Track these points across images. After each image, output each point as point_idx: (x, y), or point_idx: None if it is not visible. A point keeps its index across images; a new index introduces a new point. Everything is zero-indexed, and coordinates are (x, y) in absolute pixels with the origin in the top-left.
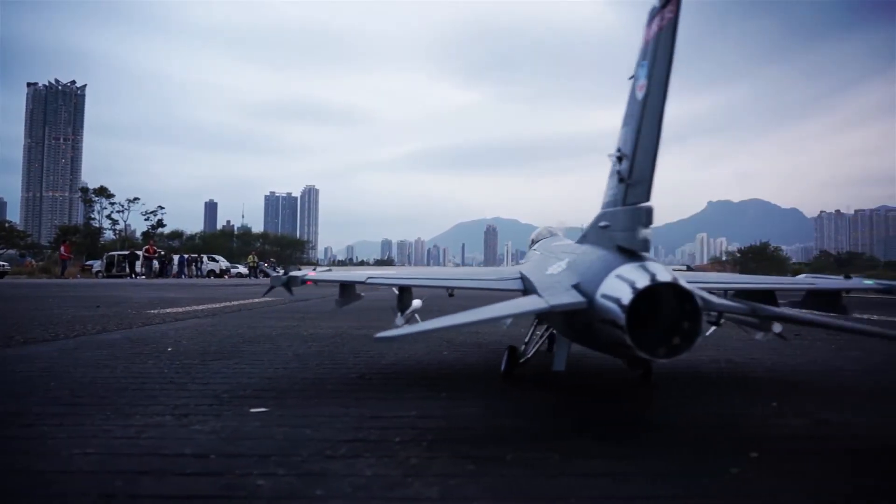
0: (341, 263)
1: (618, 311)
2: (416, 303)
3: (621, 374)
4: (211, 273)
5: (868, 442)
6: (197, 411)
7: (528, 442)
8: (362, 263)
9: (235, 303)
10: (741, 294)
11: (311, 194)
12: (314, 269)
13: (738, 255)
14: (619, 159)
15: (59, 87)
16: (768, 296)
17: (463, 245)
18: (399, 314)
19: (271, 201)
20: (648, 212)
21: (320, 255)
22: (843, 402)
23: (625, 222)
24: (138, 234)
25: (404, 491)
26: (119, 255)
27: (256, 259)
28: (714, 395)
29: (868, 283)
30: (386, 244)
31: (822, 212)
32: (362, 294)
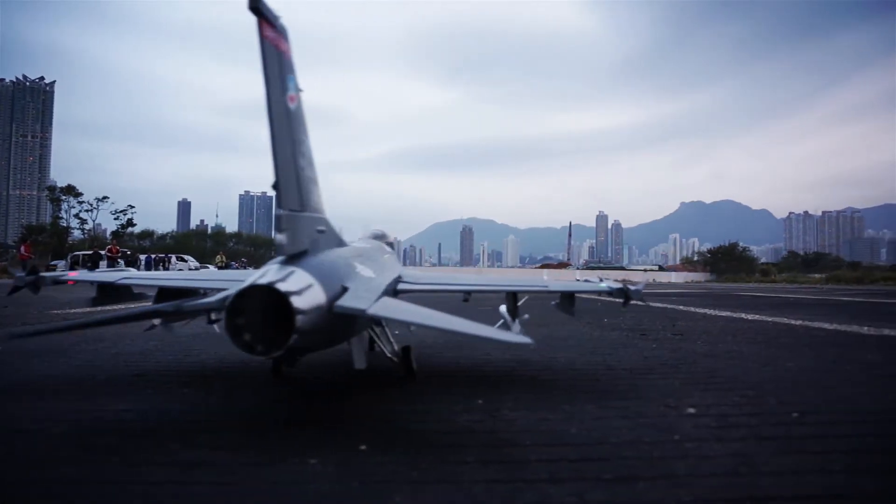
0: None
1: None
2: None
3: (389, 375)
4: None
5: (502, 436)
6: None
7: (161, 432)
8: None
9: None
10: (509, 296)
11: None
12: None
13: (709, 255)
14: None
15: (27, 84)
16: (512, 297)
17: (439, 245)
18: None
19: (246, 201)
20: (277, 218)
21: None
22: (552, 401)
23: None
24: (109, 233)
25: None
26: (83, 255)
27: (225, 259)
28: (439, 393)
29: (602, 286)
30: None
31: (791, 213)
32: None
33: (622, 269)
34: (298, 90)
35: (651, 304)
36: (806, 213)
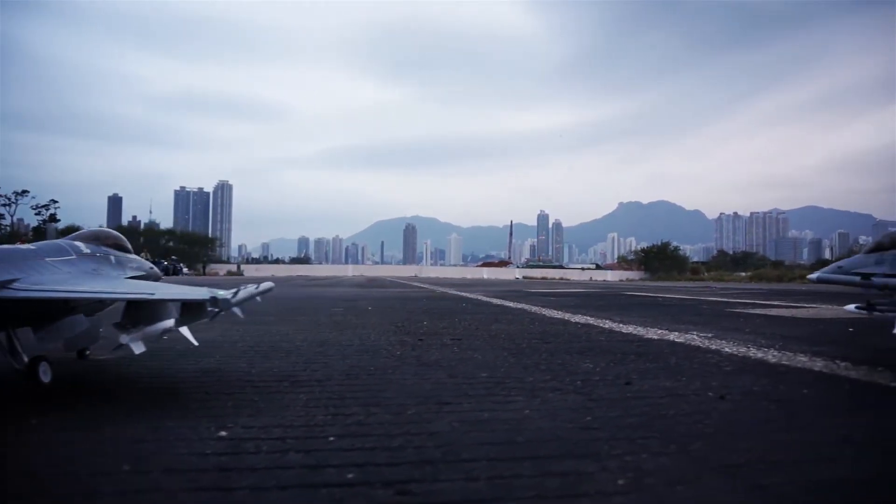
0: (255, 261)
1: None
2: None
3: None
4: None
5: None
6: None
7: None
8: (277, 261)
9: None
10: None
11: (224, 190)
12: None
13: (643, 254)
14: None
15: None
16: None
17: (382, 243)
18: None
19: (182, 196)
20: None
21: (234, 252)
22: (106, 417)
23: None
24: (31, 229)
25: None
26: None
27: (149, 256)
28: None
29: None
30: (303, 242)
31: (721, 213)
32: None
33: (561, 267)
34: None
35: (525, 306)
36: (735, 213)
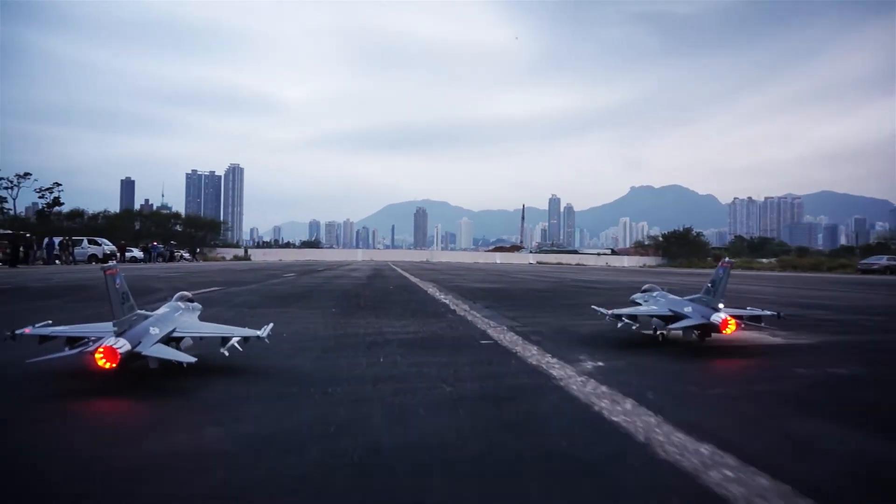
0: (266, 245)
1: None
2: None
3: None
4: (93, 258)
5: None
6: None
7: None
8: (288, 245)
9: None
10: None
11: (235, 173)
12: None
13: (661, 239)
14: None
15: None
16: None
17: (393, 227)
18: None
19: (193, 180)
20: None
21: (245, 235)
22: None
23: None
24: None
25: None
26: None
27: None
28: None
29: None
30: (314, 225)
31: (735, 198)
32: None
33: (576, 252)
34: None
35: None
36: (750, 198)
